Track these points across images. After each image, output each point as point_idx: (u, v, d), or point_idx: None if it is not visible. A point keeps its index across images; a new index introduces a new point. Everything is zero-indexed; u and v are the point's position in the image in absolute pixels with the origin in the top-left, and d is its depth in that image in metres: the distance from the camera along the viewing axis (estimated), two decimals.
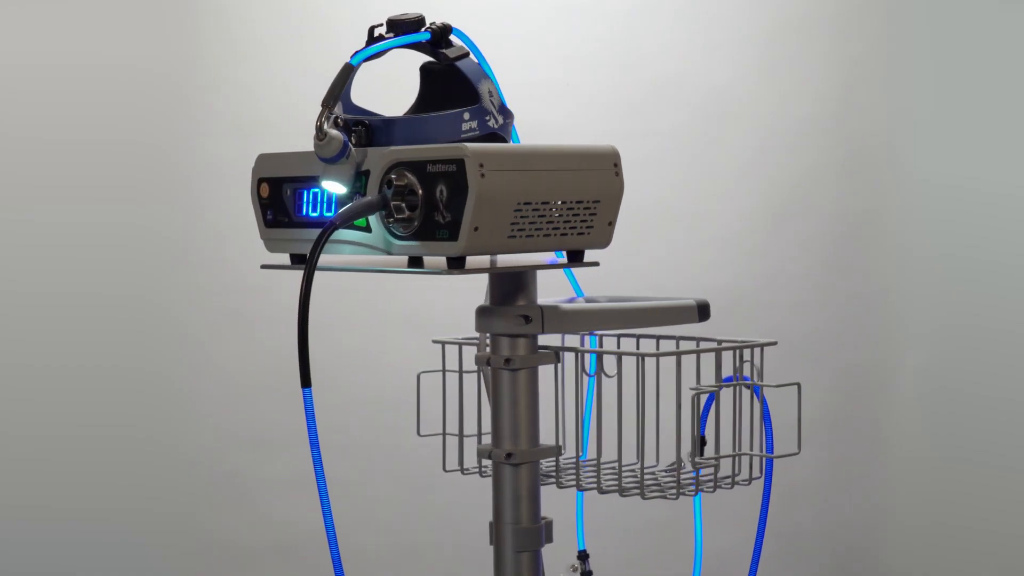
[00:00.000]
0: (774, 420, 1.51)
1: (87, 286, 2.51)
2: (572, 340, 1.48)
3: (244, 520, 2.60)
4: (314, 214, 1.33)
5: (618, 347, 1.46)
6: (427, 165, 1.24)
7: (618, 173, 1.33)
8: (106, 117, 2.50)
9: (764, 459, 1.48)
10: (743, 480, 1.50)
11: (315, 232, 1.29)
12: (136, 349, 2.54)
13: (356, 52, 1.31)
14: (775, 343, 1.49)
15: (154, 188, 2.54)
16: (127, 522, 2.55)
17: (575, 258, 1.34)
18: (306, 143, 1.40)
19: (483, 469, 1.52)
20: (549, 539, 1.40)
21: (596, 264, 1.35)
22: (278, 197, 1.36)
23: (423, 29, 1.33)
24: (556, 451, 1.41)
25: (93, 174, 2.50)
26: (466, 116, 1.33)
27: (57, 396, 2.51)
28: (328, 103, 1.28)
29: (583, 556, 1.66)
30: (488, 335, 1.39)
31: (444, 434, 1.53)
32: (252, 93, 2.56)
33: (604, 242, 1.35)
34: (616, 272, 1.44)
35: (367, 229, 1.29)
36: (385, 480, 2.59)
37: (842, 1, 2.67)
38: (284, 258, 1.39)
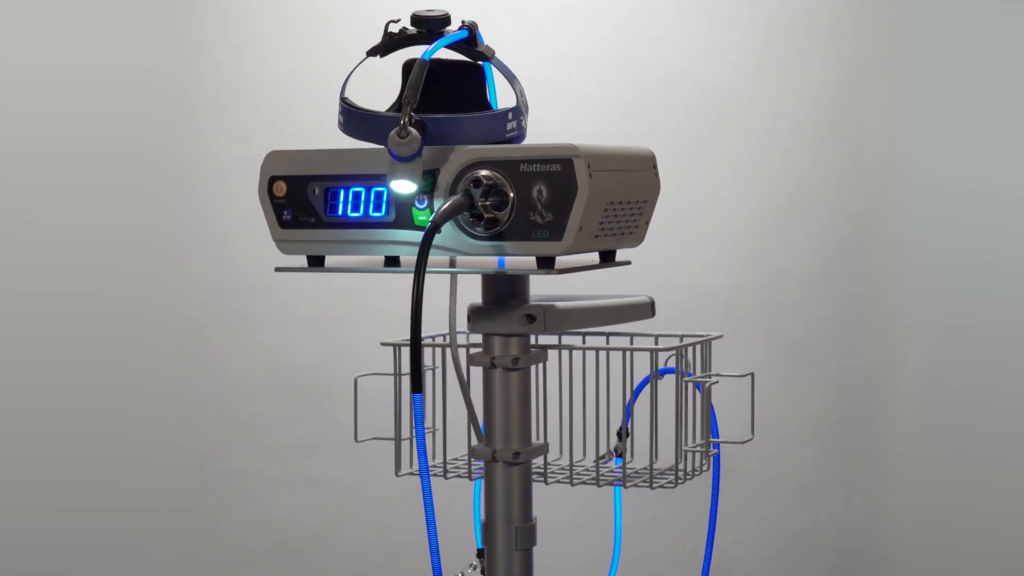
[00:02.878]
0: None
1: (87, 286, 2.51)
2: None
3: (244, 520, 2.61)
4: (354, 214, 1.30)
5: (536, 342, 1.47)
6: (521, 164, 1.23)
7: (656, 174, 1.36)
8: (106, 117, 2.50)
9: (712, 449, 1.47)
10: (699, 470, 1.48)
11: (353, 233, 1.28)
12: (136, 349, 2.54)
13: (426, 50, 1.29)
14: (721, 336, 1.50)
15: (154, 188, 2.54)
16: (127, 522, 2.55)
17: (607, 258, 1.35)
18: (323, 141, 1.39)
19: (448, 471, 1.51)
20: None
21: (628, 263, 1.37)
22: (300, 196, 1.32)
23: (461, 27, 1.33)
24: (545, 449, 1.42)
25: (93, 174, 2.51)
26: (509, 116, 1.33)
27: (57, 396, 2.51)
28: (411, 100, 1.26)
29: (482, 554, 1.66)
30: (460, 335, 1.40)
31: (398, 439, 1.50)
32: (252, 93, 2.56)
33: (641, 241, 1.38)
34: (615, 271, 1.44)
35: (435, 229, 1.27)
36: (382, 479, 2.59)
37: (842, 1, 2.67)
38: (296, 259, 1.36)
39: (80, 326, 2.51)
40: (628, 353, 1.43)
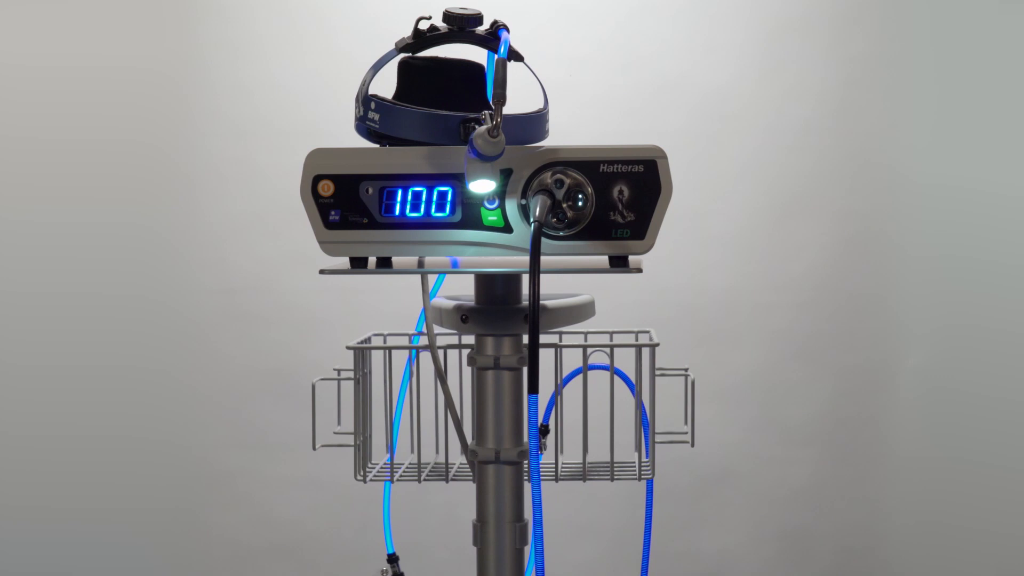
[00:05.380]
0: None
1: (87, 286, 2.51)
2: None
3: (244, 520, 2.60)
4: (414, 215, 1.27)
5: (449, 342, 1.48)
6: (601, 165, 1.25)
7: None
8: (105, 117, 2.50)
9: (643, 446, 1.48)
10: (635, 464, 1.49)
11: (413, 233, 1.27)
12: (136, 349, 2.54)
13: (497, 49, 1.29)
14: (648, 331, 1.52)
15: (154, 188, 2.55)
16: (127, 522, 2.55)
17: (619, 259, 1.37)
18: (323, 140, 1.38)
19: (423, 475, 1.50)
20: None
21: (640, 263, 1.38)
22: (352, 196, 1.28)
23: (497, 27, 1.34)
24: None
25: (93, 174, 2.51)
26: (548, 117, 1.36)
27: (58, 396, 2.51)
28: (502, 99, 1.24)
29: (393, 559, 1.65)
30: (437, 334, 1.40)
31: (357, 444, 1.47)
32: (252, 93, 2.56)
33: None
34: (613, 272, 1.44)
35: (506, 229, 1.27)
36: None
37: (842, 1, 2.67)
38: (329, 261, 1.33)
39: (80, 326, 2.51)
40: (612, 350, 1.44)
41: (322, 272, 1.32)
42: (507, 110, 1.27)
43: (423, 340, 1.47)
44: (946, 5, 2.65)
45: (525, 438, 1.42)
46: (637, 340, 1.49)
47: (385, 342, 1.53)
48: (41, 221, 2.49)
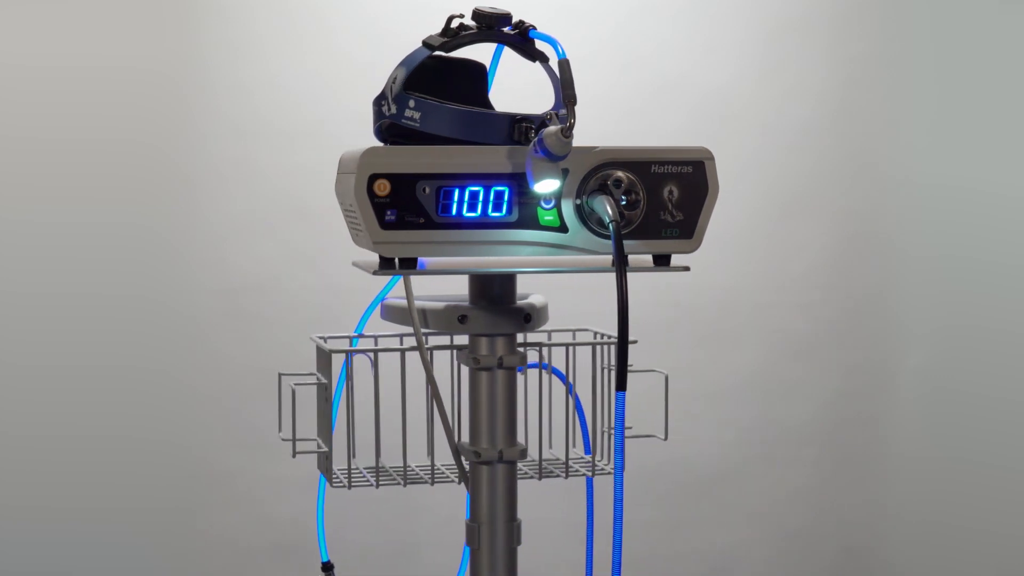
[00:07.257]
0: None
1: (87, 286, 2.51)
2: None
3: (244, 520, 2.61)
4: (471, 215, 1.27)
5: (392, 342, 1.47)
6: (652, 165, 1.27)
7: None
8: (106, 117, 2.50)
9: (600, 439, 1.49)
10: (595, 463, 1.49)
11: (470, 233, 1.27)
12: (135, 349, 2.54)
13: (555, 48, 1.29)
14: (586, 329, 1.53)
15: (154, 188, 2.54)
16: (127, 522, 2.55)
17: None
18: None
19: (408, 478, 1.49)
20: None
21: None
22: (407, 195, 1.27)
23: (526, 27, 1.34)
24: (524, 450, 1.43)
25: (93, 174, 2.51)
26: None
27: (57, 396, 2.51)
28: (575, 99, 1.25)
29: (327, 567, 1.63)
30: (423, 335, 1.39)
31: (331, 450, 1.45)
32: (252, 93, 2.56)
33: None
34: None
35: (562, 229, 1.28)
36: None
37: (842, 1, 2.67)
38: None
39: (80, 326, 2.51)
40: (602, 348, 1.45)
41: (375, 273, 1.30)
42: (519, 110, 1.27)
43: (409, 341, 1.47)
44: (946, 5, 2.65)
45: (521, 438, 1.43)
46: (575, 338, 1.51)
47: (327, 343, 1.52)
48: (41, 221, 2.49)
